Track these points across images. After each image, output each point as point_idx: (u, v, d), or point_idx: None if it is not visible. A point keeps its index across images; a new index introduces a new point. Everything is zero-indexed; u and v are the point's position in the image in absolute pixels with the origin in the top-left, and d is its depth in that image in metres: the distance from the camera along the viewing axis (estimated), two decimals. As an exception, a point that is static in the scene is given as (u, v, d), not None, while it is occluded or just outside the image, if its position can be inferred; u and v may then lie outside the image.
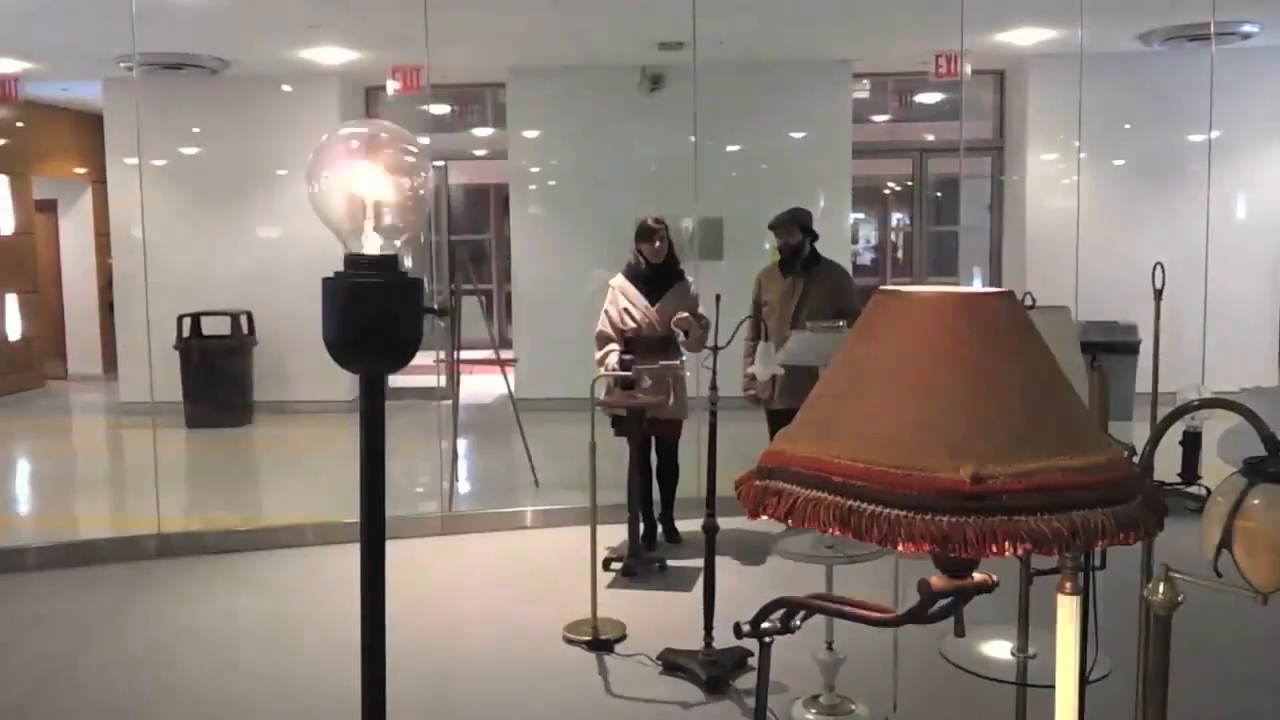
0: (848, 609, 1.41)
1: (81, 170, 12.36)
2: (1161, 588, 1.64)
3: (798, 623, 1.43)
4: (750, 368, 5.28)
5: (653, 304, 5.77)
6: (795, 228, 5.95)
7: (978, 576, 1.18)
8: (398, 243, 1.60)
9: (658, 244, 5.77)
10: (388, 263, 1.57)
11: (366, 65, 9.67)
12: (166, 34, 8.40)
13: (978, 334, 1.15)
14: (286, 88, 10.25)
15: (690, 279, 6.02)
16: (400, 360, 1.62)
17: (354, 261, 1.56)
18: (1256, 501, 1.38)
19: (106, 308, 11.87)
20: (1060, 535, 1.06)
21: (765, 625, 1.43)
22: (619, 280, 5.87)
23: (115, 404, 10.50)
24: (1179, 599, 1.64)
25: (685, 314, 5.62)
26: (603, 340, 5.78)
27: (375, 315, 1.58)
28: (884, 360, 1.17)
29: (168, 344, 9.43)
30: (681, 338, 5.63)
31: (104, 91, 10.30)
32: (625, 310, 5.76)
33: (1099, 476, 1.11)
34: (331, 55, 9.37)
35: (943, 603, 1.22)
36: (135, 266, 7.88)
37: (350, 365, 1.61)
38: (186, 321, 9.76)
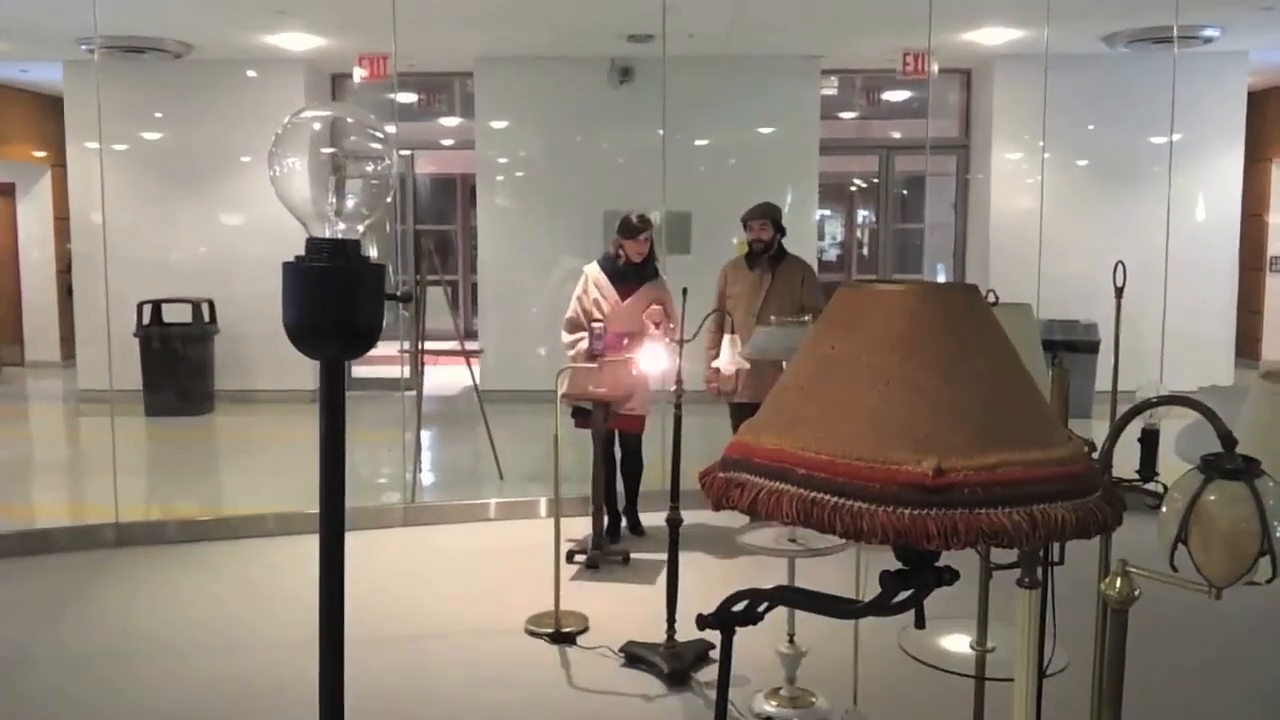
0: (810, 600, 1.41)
1: (41, 153, 12.16)
2: (1118, 582, 1.66)
3: (760, 613, 1.44)
4: (715, 361, 5.29)
5: (624, 299, 5.77)
6: (769, 222, 5.97)
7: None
8: (360, 228, 1.59)
9: (642, 240, 5.75)
10: (349, 248, 1.56)
11: (333, 52, 9.58)
12: (129, 16, 8.28)
13: (940, 328, 1.15)
14: (251, 74, 10.13)
15: (664, 277, 6.00)
16: (361, 347, 1.60)
17: (315, 246, 1.54)
18: (1212, 497, 1.40)
19: (65, 293, 11.71)
20: (1021, 529, 1.07)
21: (727, 616, 1.43)
22: (593, 270, 5.86)
23: (73, 391, 10.36)
24: (1135, 593, 1.66)
25: (659, 306, 5.64)
26: (572, 326, 5.78)
27: (335, 300, 1.56)
28: (847, 353, 1.18)
29: (127, 331, 9.32)
30: (651, 329, 5.63)
31: (65, 74, 10.13)
32: (596, 302, 5.76)
33: (1060, 470, 1.12)
34: (297, 41, 9.27)
35: (904, 595, 1.23)
36: (95, 252, 7.77)
37: (310, 351, 1.59)
38: (147, 308, 9.64)
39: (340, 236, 1.57)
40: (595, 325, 5.51)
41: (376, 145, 1.63)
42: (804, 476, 1.12)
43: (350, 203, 1.57)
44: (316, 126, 1.62)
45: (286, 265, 1.56)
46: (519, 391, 8.81)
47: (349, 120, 1.65)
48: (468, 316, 13.59)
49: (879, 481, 1.07)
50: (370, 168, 1.61)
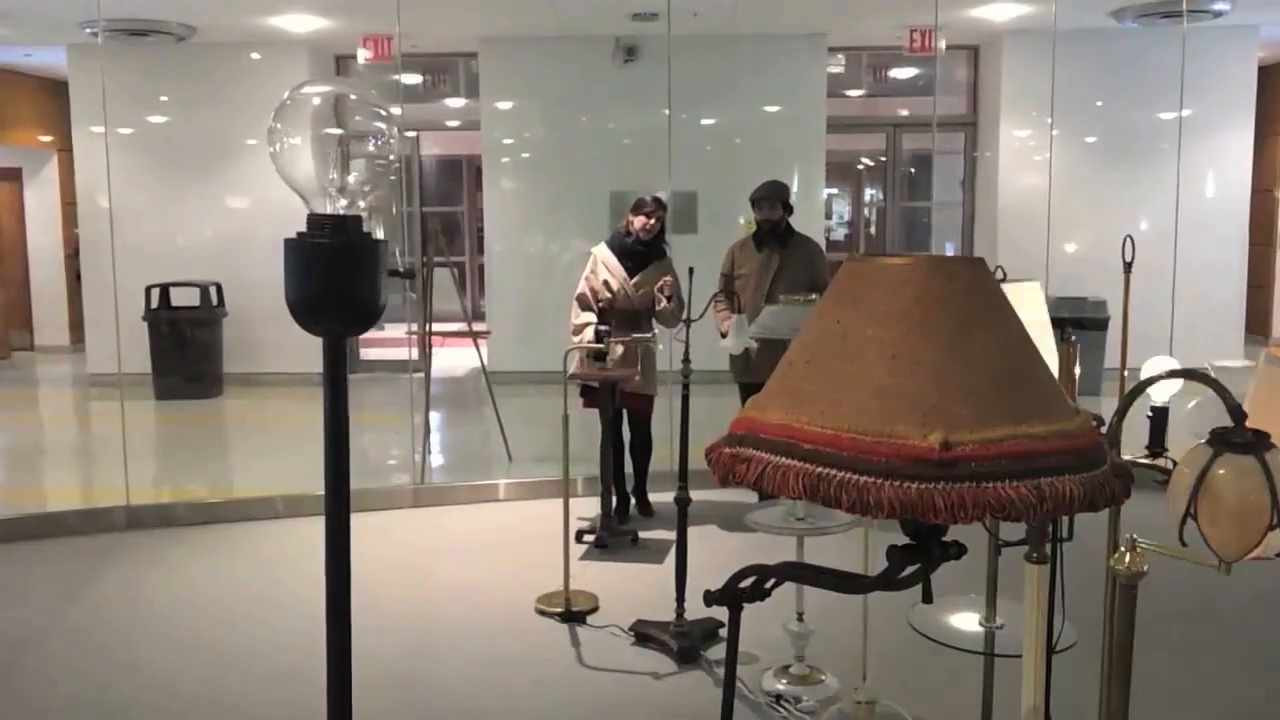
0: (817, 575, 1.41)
1: (46, 138, 12.16)
2: (1127, 558, 1.65)
3: (768, 589, 1.44)
4: (723, 343, 5.27)
5: (631, 278, 5.76)
6: (777, 202, 5.95)
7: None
8: (362, 204, 1.58)
9: (652, 221, 5.74)
10: (350, 223, 1.55)
11: (337, 33, 9.55)
12: (132, -1, 8.27)
13: (947, 301, 1.15)
14: (255, 56, 10.11)
15: (670, 256, 5.97)
16: (364, 322, 1.60)
17: (316, 222, 1.54)
18: (1222, 472, 1.39)
19: (73, 278, 11.74)
20: (1029, 502, 1.06)
21: (734, 592, 1.43)
22: (601, 249, 5.85)
23: (83, 375, 10.40)
24: (1144, 569, 1.65)
25: (670, 278, 5.64)
26: (582, 303, 5.77)
27: (337, 276, 1.56)
28: (854, 327, 1.17)
29: (136, 315, 9.34)
30: (663, 303, 5.62)
31: (69, 58, 10.12)
32: (605, 282, 5.76)
33: (1067, 443, 1.11)
34: (301, 23, 9.24)
35: (911, 570, 1.22)
36: (102, 236, 7.78)
37: (312, 327, 1.59)
38: (155, 292, 9.66)
39: (342, 212, 1.57)
40: (601, 328, 5.52)
41: (379, 122, 1.63)
42: (810, 451, 1.11)
43: (352, 178, 1.57)
44: (316, 101, 1.62)
45: (288, 241, 1.56)
46: (527, 372, 8.83)
47: (350, 95, 1.65)
48: (475, 298, 13.59)
49: (885, 455, 1.07)
50: (372, 143, 1.61)
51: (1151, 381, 1.84)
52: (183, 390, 9.55)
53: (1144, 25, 9.12)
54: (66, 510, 6.11)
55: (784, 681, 3.84)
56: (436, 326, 7.40)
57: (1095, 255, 9.52)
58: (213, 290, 9.96)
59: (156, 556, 5.52)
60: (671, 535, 4.50)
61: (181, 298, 9.82)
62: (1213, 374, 1.52)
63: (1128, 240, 2.54)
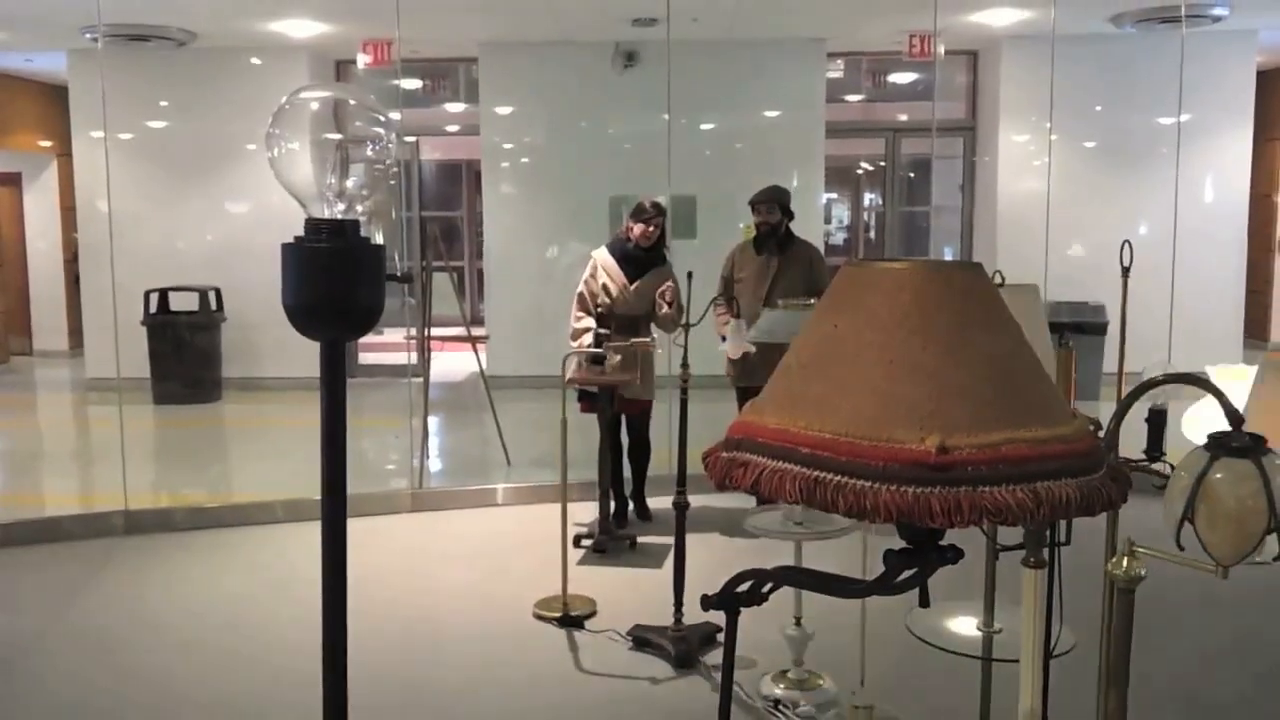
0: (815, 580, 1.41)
1: (46, 143, 12.16)
2: (1125, 562, 1.65)
3: (765, 593, 1.44)
4: (721, 346, 5.27)
5: (631, 283, 5.76)
6: (775, 206, 5.95)
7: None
8: (360, 209, 1.58)
9: (651, 228, 5.73)
10: (348, 228, 1.55)
11: (336, 38, 9.55)
12: (132, 4, 8.27)
13: (944, 305, 1.15)
14: (255, 61, 10.12)
15: (671, 262, 5.96)
16: (361, 327, 1.60)
17: (313, 227, 1.54)
18: (1219, 475, 1.39)
19: (72, 283, 11.73)
20: (1025, 506, 1.06)
21: (731, 597, 1.43)
22: (601, 253, 5.84)
23: (81, 380, 10.39)
24: (1142, 573, 1.65)
25: (670, 283, 5.64)
26: (581, 305, 5.77)
27: (334, 281, 1.55)
28: (851, 332, 1.17)
29: (134, 319, 9.34)
30: (664, 308, 5.61)
31: (69, 63, 10.13)
32: (604, 286, 5.76)
33: (1064, 448, 1.11)
34: (300, 28, 9.25)
35: (908, 574, 1.22)
36: (101, 241, 7.78)
37: (310, 332, 1.59)
38: (154, 297, 9.66)
39: (340, 217, 1.57)
40: (601, 332, 5.52)
41: (377, 127, 1.63)
42: (808, 455, 1.12)
43: (350, 183, 1.57)
44: (315, 106, 1.62)
45: (285, 246, 1.56)
46: (525, 377, 8.83)
47: (349, 100, 1.65)
48: (474, 302, 13.59)
49: (882, 460, 1.07)
50: (370, 148, 1.61)
51: (1150, 386, 1.85)
52: (181, 395, 9.55)
53: (1142, 30, 9.13)
54: (64, 515, 6.10)
55: (782, 686, 3.84)
56: (435, 331, 7.40)
57: (1094, 260, 9.52)
58: (211, 295, 9.95)
59: (155, 561, 5.52)
60: (669, 540, 4.50)
61: (180, 302, 9.82)
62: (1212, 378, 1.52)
63: (1126, 245, 2.54)
